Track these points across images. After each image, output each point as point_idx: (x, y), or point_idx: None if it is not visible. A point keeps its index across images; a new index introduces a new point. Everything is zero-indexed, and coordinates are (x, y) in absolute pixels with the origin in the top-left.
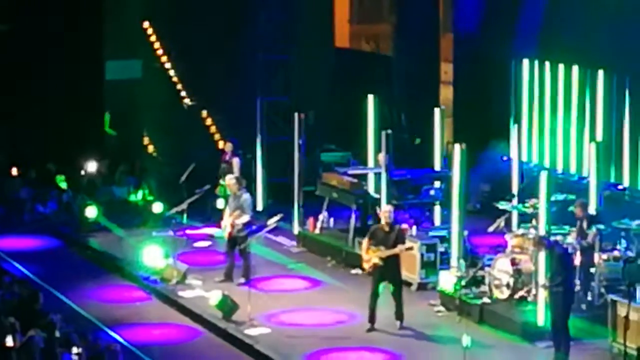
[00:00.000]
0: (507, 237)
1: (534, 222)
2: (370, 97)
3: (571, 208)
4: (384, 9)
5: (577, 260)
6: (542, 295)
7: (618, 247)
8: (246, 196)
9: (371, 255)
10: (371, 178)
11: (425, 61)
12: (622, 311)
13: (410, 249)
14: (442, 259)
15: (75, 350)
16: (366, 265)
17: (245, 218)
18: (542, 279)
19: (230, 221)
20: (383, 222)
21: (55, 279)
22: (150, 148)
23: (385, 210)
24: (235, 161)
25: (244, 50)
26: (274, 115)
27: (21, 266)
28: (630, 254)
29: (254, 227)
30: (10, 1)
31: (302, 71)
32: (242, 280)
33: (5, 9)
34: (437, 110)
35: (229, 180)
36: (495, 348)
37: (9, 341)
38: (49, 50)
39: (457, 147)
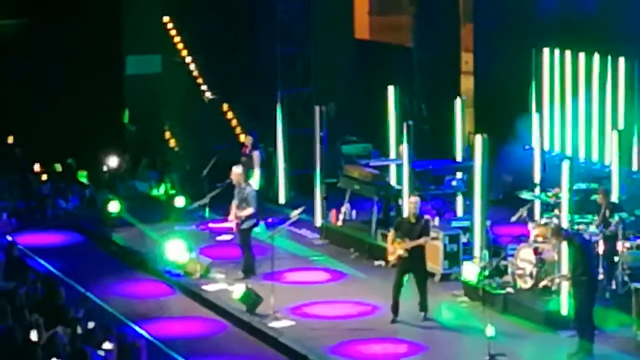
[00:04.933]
0: (530, 226)
1: (556, 211)
2: (391, 89)
3: (594, 197)
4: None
5: (600, 249)
6: (566, 285)
7: None
8: (250, 189)
9: (396, 247)
10: (393, 169)
11: (445, 51)
12: None
13: (435, 239)
14: (464, 249)
15: (105, 345)
16: (391, 257)
17: (249, 211)
18: (564, 269)
19: (235, 214)
20: (409, 213)
21: (79, 275)
22: (172, 142)
23: (411, 202)
24: (256, 154)
25: (264, 43)
26: (294, 108)
27: (44, 262)
28: None
29: (258, 220)
30: None
31: (323, 63)
32: (241, 275)
33: (24, 3)
34: (458, 101)
35: (235, 171)
36: (519, 338)
37: (34, 336)
38: (69, 45)
39: (478, 137)
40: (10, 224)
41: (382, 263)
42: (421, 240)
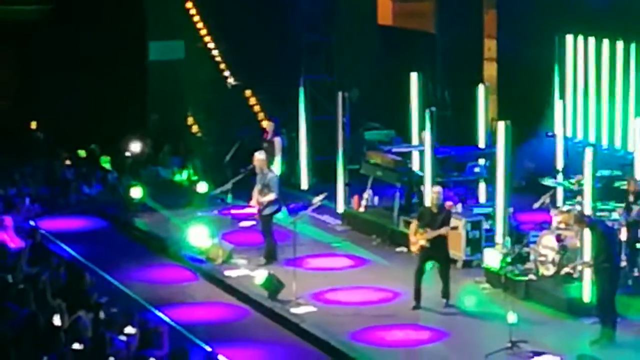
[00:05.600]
0: (553, 213)
1: (579, 198)
2: (414, 75)
3: (618, 184)
4: None
5: (623, 236)
6: (588, 272)
7: None
8: (272, 175)
9: (418, 238)
10: (415, 156)
11: (468, 38)
12: None
13: (455, 228)
14: (487, 236)
15: (127, 330)
16: (413, 248)
17: (272, 196)
18: (587, 256)
19: (257, 199)
20: (431, 203)
21: (102, 260)
22: (195, 128)
23: (434, 192)
24: (277, 140)
25: (287, 29)
26: (317, 94)
27: (68, 247)
28: None
29: (279, 206)
30: None
31: (346, 50)
32: (263, 260)
33: None
34: (481, 87)
35: (258, 157)
36: (541, 324)
37: (57, 321)
38: (92, 31)
39: (501, 123)
40: (34, 209)
41: (404, 249)
42: (442, 230)
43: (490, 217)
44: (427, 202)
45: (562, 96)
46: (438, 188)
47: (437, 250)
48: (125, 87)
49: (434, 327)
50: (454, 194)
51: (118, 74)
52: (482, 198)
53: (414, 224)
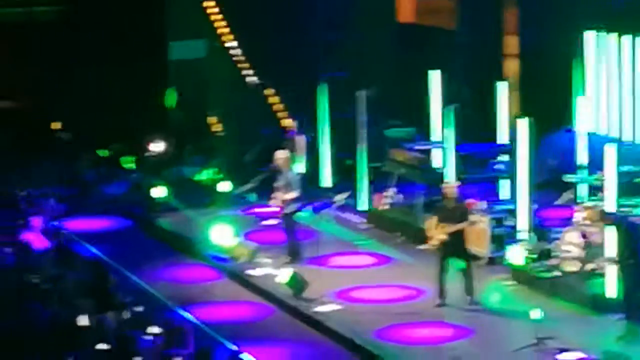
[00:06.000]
0: (577, 209)
1: (602, 194)
2: (435, 72)
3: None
4: None
5: None
6: (613, 268)
7: None
8: (294, 173)
9: (437, 232)
10: (438, 153)
11: (489, 34)
12: None
13: (474, 223)
14: (510, 233)
15: (151, 330)
16: (432, 243)
17: (293, 194)
18: (611, 252)
19: (280, 198)
20: (448, 198)
21: (126, 260)
22: (217, 127)
23: (450, 186)
24: (300, 139)
25: (308, 27)
26: (338, 92)
27: (92, 247)
28: None
29: (302, 204)
30: None
31: (366, 47)
32: (287, 259)
33: None
34: (502, 84)
35: (280, 155)
36: (567, 321)
37: (83, 321)
38: (113, 32)
39: (523, 120)
40: (58, 209)
41: (428, 247)
42: (460, 225)
43: (514, 213)
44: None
45: (584, 92)
46: (453, 183)
47: (456, 246)
48: (148, 87)
49: (459, 324)
50: (477, 191)
51: (140, 74)
52: (505, 195)
53: (433, 219)
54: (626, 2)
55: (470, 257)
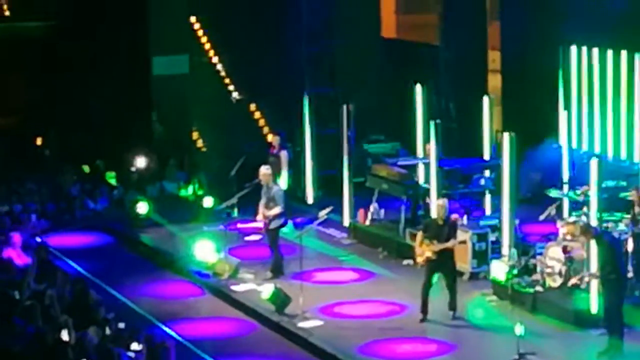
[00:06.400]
0: (559, 224)
1: (585, 209)
2: (418, 87)
3: (624, 194)
4: None
5: (630, 246)
6: (595, 283)
7: None
8: (278, 188)
9: (424, 249)
10: (421, 168)
11: (472, 49)
12: None
13: (464, 242)
14: (493, 248)
15: (134, 346)
16: (419, 259)
17: (277, 210)
18: (593, 267)
19: (263, 213)
20: (437, 215)
21: (108, 276)
22: (200, 143)
23: (439, 204)
24: (283, 154)
25: (291, 42)
26: (321, 108)
27: (74, 263)
28: None
29: (286, 219)
30: None
31: (350, 63)
32: (269, 274)
33: (51, 6)
34: (485, 99)
35: (263, 171)
36: (549, 336)
37: (65, 336)
38: (96, 47)
39: (506, 135)
40: (40, 225)
41: (411, 262)
42: (449, 244)
43: (497, 229)
44: (433, 214)
45: (567, 107)
46: (442, 201)
47: (444, 262)
48: (130, 103)
49: (442, 339)
50: (460, 206)
51: (123, 89)
52: (488, 210)
53: (420, 235)
54: (608, 17)
55: (456, 274)
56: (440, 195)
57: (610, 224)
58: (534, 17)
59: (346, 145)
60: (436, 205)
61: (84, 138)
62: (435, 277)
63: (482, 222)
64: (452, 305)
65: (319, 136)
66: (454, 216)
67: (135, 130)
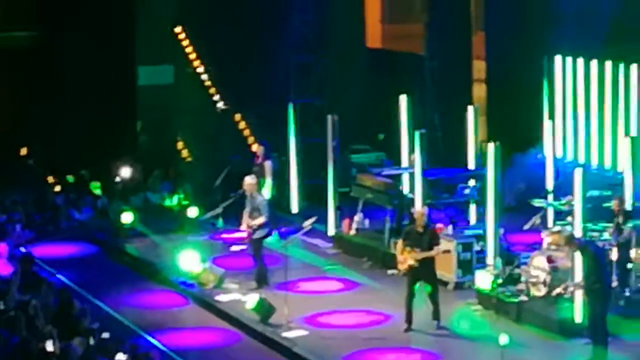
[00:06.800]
0: (543, 234)
1: (569, 219)
2: (403, 97)
3: (607, 204)
4: (415, 8)
5: (614, 256)
6: (579, 292)
7: None
8: (262, 198)
9: (406, 257)
10: (406, 178)
11: (457, 59)
12: None
13: (448, 251)
14: (478, 257)
15: (118, 356)
16: (401, 267)
17: (261, 220)
18: (578, 277)
19: (247, 223)
20: (417, 223)
21: (93, 286)
22: (184, 153)
23: (419, 212)
24: (267, 164)
25: (276, 52)
26: (307, 117)
27: (58, 273)
28: None
29: (270, 229)
30: (41, 8)
31: (335, 72)
32: (254, 284)
33: (35, 15)
34: (470, 109)
35: (248, 181)
36: (533, 346)
37: (49, 346)
38: (81, 57)
39: (491, 145)
40: (25, 236)
41: (395, 272)
42: (433, 252)
43: (481, 238)
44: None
45: (552, 116)
46: (423, 209)
47: (425, 271)
48: (115, 112)
49: (426, 349)
50: (445, 216)
51: (108, 99)
52: (473, 219)
53: (400, 242)
54: (592, 27)
55: (437, 282)
56: (425, 205)
57: (594, 234)
58: (519, 27)
59: (331, 155)
60: (416, 213)
61: (69, 148)
62: (417, 287)
63: (466, 232)
64: (436, 315)
65: (304, 146)
66: (439, 226)
67: (120, 140)
